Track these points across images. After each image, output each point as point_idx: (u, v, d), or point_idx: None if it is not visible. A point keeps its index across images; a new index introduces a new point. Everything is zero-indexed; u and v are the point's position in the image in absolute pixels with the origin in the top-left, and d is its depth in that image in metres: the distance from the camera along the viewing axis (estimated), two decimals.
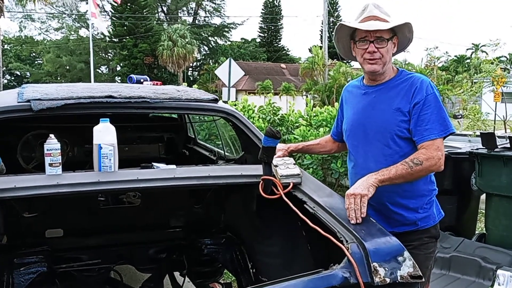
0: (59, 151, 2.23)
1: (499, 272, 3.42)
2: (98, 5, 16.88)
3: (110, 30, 18.54)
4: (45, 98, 2.46)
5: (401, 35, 2.18)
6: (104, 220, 3.01)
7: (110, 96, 2.59)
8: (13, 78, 44.25)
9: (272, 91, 21.79)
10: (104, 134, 2.31)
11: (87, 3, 21.18)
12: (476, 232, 4.47)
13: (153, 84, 3.45)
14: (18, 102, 2.46)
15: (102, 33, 39.29)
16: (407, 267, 1.75)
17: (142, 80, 3.53)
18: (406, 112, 2.11)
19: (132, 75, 3.58)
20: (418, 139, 2.09)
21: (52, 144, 2.21)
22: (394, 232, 2.06)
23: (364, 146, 2.23)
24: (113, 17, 38.40)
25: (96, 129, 2.32)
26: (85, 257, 2.91)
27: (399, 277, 1.71)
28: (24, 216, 2.74)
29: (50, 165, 2.19)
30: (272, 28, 50.26)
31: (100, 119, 2.34)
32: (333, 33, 2.28)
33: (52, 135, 2.26)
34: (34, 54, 46.48)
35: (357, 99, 2.31)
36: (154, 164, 2.68)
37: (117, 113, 2.80)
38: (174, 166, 2.56)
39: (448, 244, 3.90)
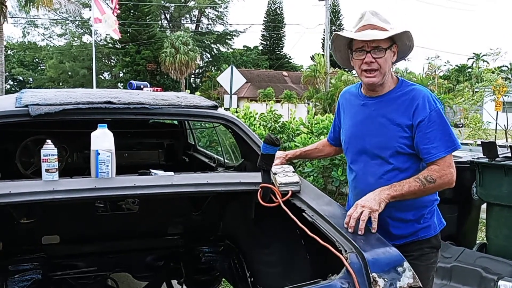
0: (56, 156, 2.21)
1: (500, 282, 3.38)
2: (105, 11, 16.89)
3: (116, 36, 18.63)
4: (43, 103, 2.45)
5: (400, 43, 2.11)
6: (101, 227, 2.99)
7: (109, 102, 2.58)
8: (15, 83, 44.35)
9: (274, 98, 21.80)
10: (102, 140, 2.30)
11: (90, 10, 21.26)
12: (477, 242, 4.43)
13: (153, 90, 3.44)
14: (16, 107, 2.45)
15: (105, 39, 39.47)
16: (407, 278, 1.72)
17: (142, 86, 3.52)
18: (406, 128, 2.06)
19: (132, 81, 3.57)
20: (428, 158, 2.04)
21: (49, 150, 2.19)
22: (395, 244, 2.03)
23: (364, 160, 2.19)
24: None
25: (94, 135, 2.31)
26: (81, 264, 2.89)
27: None
28: (20, 222, 2.72)
29: (47, 171, 2.17)
30: (274, 36, 50.41)
31: (98, 125, 2.33)
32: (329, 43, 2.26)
33: (49, 141, 2.24)
34: (37, 59, 46.67)
35: (355, 109, 2.25)
36: (152, 170, 2.67)
37: (116, 119, 2.79)
38: (172, 173, 2.54)
39: (448, 254, 3.86)
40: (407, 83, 2.16)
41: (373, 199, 1.95)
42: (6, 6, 17.03)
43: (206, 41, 44.90)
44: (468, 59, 37.31)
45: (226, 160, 3.59)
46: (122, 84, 39.53)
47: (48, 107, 2.42)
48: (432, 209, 2.21)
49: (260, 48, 49.82)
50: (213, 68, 44.92)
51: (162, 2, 43.92)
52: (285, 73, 41.10)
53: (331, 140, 2.57)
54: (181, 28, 44.59)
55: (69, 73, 41.33)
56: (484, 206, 4.17)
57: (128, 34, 36.59)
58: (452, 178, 2.03)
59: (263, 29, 49.94)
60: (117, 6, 17.58)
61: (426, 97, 2.06)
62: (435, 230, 2.21)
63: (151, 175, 2.54)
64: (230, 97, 12.66)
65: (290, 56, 51.87)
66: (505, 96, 11.39)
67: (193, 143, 4.42)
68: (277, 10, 49.89)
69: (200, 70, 46.29)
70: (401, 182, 2.01)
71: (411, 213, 2.15)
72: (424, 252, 2.17)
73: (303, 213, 2.10)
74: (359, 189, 2.18)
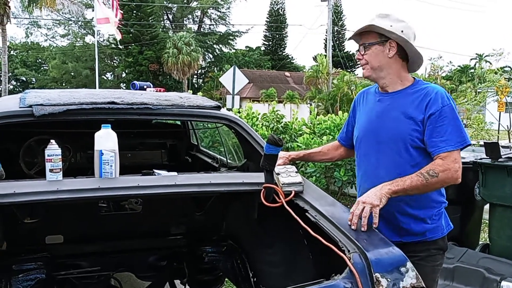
0: (60, 156, 2.22)
1: (503, 283, 3.38)
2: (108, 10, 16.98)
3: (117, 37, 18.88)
4: (47, 103, 2.45)
5: (395, 36, 2.09)
6: (104, 226, 3.00)
7: (113, 102, 2.58)
8: (18, 83, 44.49)
9: (276, 99, 21.84)
10: (106, 140, 2.30)
11: (93, 10, 21.32)
12: (480, 242, 4.43)
13: (156, 91, 3.44)
14: (20, 107, 2.45)
15: (108, 40, 39.56)
16: (410, 278, 1.73)
17: (145, 87, 3.52)
18: (418, 121, 2.08)
19: (135, 82, 3.56)
20: (434, 151, 2.04)
21: (53, 150, 2.20)
22: (402, 242, 2.04)
23: (376, 153, 2.20)
24: (119, 25, 38.70)
25: (98, 135, 2.31)
26: (84, 264, 2.89)
27: None
28: (24, 222, 2.73)
29: (51, 171, 2.18)
30: (277, 36, 50.39)
31: (102, 125, 2.33)
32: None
33: (53, 141, 2.24)
34: (40, 60, 46.78)
35: (371, 106, 2.29)
36: (155, 171, 2.67)
37: (119, 119, 2.80)
38: (175, 173, 2.54)
39: (451, 254, 3.85)
40: (422, 82, 2.20)
41: (374, 194, 1.96)
42: (9, 7, 17.11)
43: (208, 42, 44.95)
44: (471, 59, 37.26)
45: (229, 160, 3.59)
46: (124, 85, 39.60)
47: (52, 107, 2.42)
48: (440, 211, 2.22)
49: (263, 48, 49.80)
50: (215, 68, 44.96)
51: (165, 2, 43.96)
52: (287, 73, 41.07)
53: (342, 140, 2.56)
54: (184, 28, 44.65)
55: (72, 73, 41.42)
56: (487, 206, 4.16)
57: (130, 35, 36.67)
58: (457, 173, 2.02)
59: (266, 29, 49.99)
60: (119, 7, 17.59)
61: (440, 93, 2.09)
62: (442, 232, 2.21)
63: (154, 175, 2.54)
64: (233, 98, 12.64)
65: (292, 57, 51.93)
66: (508, 96, 11.40)
67: (196, 143, 4.42)
68: (280, 10, 49.93)
69: (203, 71, 46.34)
70: (403, 178, 2.02)
71: (420, 211, 2.15)
72: (431, 253, 2.17)
73: (306, 213, 2.11)
74: (370, 182, 2.17)
